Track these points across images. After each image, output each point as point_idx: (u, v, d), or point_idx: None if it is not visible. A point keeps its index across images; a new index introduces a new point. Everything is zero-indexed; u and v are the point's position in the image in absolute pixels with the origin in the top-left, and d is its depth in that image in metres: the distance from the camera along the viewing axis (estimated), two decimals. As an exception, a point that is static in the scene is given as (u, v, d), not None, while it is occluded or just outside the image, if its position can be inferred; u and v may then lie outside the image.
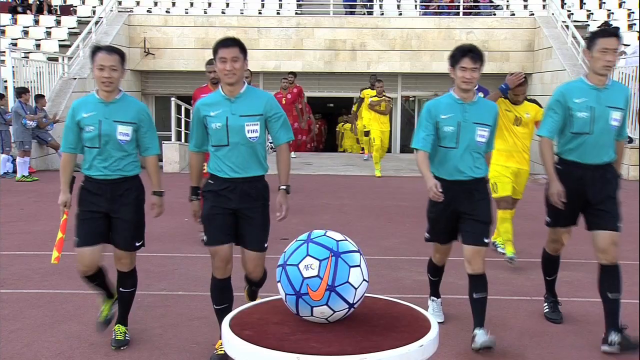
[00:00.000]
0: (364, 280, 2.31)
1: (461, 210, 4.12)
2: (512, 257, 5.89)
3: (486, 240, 4.11)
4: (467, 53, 3.97)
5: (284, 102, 12.42)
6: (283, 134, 3.87)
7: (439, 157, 4.12)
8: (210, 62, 6.54)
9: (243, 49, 3.73)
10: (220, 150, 3.78)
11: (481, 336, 3.98)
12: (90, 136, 3.93)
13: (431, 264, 4.59)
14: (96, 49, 3.90)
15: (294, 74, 13.64)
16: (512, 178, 5.85)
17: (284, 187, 3.88)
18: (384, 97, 12.20)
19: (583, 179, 4.17)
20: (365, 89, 14.08)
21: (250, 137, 3.75)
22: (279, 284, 2.32)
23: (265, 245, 3.88)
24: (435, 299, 4.69)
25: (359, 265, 2.29)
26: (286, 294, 2.29)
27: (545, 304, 4.81)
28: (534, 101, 5.89)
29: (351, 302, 2.27)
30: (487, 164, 4.26)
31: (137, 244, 4.11)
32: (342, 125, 20.30)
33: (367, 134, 13.30)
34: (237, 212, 3.78)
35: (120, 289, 4.18)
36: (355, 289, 2.26)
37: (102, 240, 4.02)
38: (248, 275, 3.98)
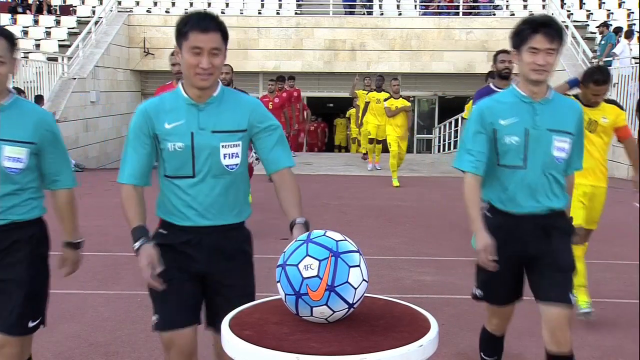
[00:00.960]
0: (364, 280, 2.30)
1: (532, 253, 2.90)
2: (588, 310, 4.47)
3: (572, 297, 2.90)
4: (539, 28, 2.71)
5: (270, 106, 11.49)
6: (282, 154, 2.64)
7: (500, 181, 2.89)
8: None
9: (225, 35, 2.50)
10: (178, 184, 2.54)
11: None
12: None
13: (486, 334, 3.25)
14: None
15: (282, 78, 12.93)
16: (585, 202, 4.40)
17: (302, 222, 2.64)
18: (400, 97, 11.49)
19: None
20: (365, 90, 13.80)
21: (227, 165, 2.54)
22: (278, 284, 2.32)
23: None
24: None
25: (358, 265, 2.29)
26: (286, 294, 2.29)
27: None
28: (614, 102, 4.63)
29: (351, 302, 2.27)
30: (568, 191, 3.00)
31: (31, 324, 2.74)
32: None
33: (373, 141, 12.69)
34: (206, 277, 2.65)
35: None
36: (355, 289, 2.26)
37: None
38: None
